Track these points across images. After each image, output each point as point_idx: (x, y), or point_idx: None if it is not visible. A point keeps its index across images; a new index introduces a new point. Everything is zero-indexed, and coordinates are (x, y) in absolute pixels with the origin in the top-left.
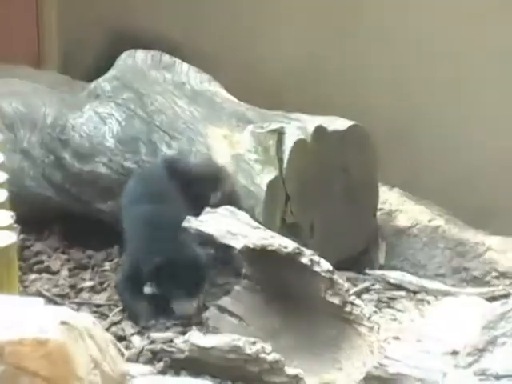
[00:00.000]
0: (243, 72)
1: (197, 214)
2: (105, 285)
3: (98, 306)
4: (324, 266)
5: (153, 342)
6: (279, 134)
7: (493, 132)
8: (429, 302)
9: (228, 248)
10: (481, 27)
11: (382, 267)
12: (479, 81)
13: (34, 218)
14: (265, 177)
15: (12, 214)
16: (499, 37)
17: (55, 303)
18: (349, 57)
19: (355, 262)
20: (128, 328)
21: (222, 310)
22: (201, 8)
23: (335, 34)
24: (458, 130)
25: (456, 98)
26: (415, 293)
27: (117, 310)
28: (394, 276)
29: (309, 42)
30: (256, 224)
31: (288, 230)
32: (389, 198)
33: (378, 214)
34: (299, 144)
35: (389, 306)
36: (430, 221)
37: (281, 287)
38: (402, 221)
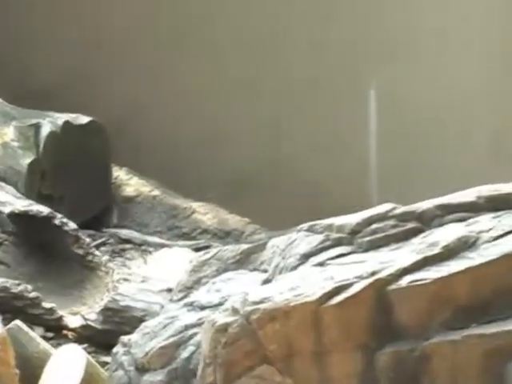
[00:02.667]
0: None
1: None
2: None
3: None
4: (71, 225)
5: None
6: (36, 127)
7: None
8: (150, 252)
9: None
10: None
11: (115, 226)
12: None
13: None
14: (26, 159)
15: None
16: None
17: None
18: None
19: (95, 222)
20: None
21: None
22: None
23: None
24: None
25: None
26: (140, 245)
27: None
28: (124, 233)
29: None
30: (19, 195)
31: (44, 199)
32: (120, 174)
33: (112, 186)
34: (51, 135)
35: (120, 256)
36: (150, 191)
37: (39, 242)
38: (129, 191)
